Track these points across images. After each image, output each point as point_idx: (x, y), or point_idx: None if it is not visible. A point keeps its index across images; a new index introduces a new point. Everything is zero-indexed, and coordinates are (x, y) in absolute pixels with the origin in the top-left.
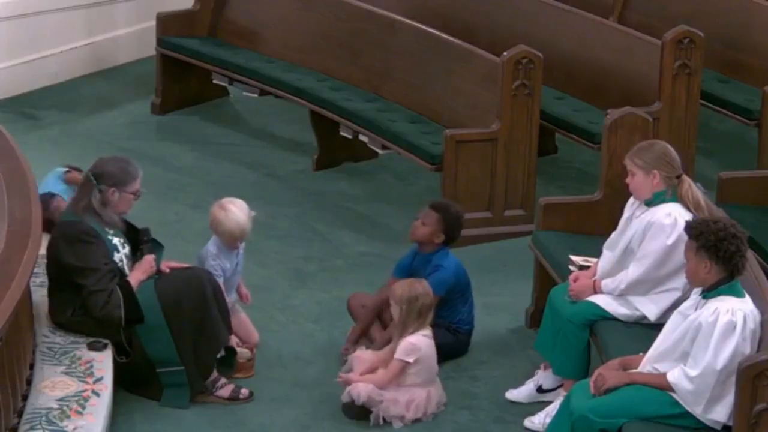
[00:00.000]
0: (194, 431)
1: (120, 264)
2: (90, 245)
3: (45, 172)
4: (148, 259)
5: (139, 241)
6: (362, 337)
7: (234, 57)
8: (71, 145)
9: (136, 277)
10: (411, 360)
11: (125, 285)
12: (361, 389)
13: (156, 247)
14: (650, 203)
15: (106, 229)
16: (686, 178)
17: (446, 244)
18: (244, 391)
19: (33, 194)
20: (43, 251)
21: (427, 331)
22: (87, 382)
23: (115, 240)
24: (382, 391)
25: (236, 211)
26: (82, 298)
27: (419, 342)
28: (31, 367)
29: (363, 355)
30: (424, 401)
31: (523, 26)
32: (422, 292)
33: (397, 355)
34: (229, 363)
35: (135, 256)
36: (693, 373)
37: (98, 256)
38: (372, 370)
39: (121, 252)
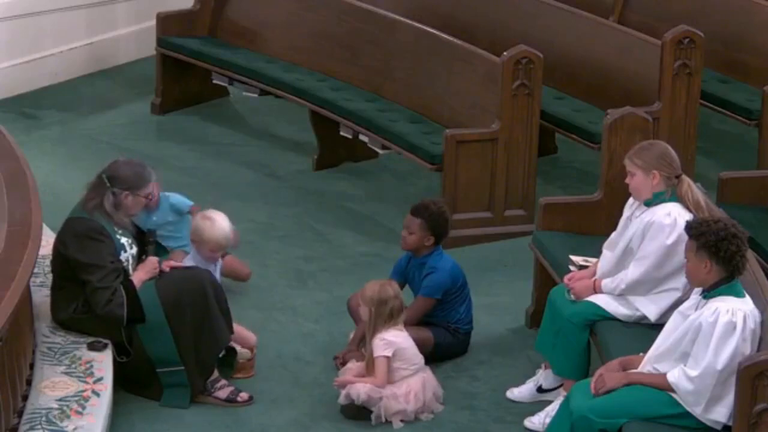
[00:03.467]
0: (194, 431)
1: (126, 264)
2: (98, 243)
3: (45, 172)
4: (152, 260)
5: (145, 242)
6: (363, 340)
7: (234, 57)
8: (71, 145)
9: (139, 277)
10: (389, 354)
11: (129, 285)
12: (360, 389)
13: (160, 250)
14: (650, 203)
15: (116, 229)
16: (686, 178)
17: (438, 243)
18: (243, 395)
19: (33, 194)
20: (43, 251)
21: (399, 327)
22: (87, 382)
23: (124, 240)
24: (381, 389)
25: (221, 220)
26: (85, 295)
27: (391, 336)
28: (31, 367)
29: (353, 367)
30: (421, 389)
31: (523, 26)
32: (392, 296)
33: (375, 354)
34: (229, 363)
35: (140, 258)
36: (693, 373)
37: (105, 254)
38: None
39: (128, 252)
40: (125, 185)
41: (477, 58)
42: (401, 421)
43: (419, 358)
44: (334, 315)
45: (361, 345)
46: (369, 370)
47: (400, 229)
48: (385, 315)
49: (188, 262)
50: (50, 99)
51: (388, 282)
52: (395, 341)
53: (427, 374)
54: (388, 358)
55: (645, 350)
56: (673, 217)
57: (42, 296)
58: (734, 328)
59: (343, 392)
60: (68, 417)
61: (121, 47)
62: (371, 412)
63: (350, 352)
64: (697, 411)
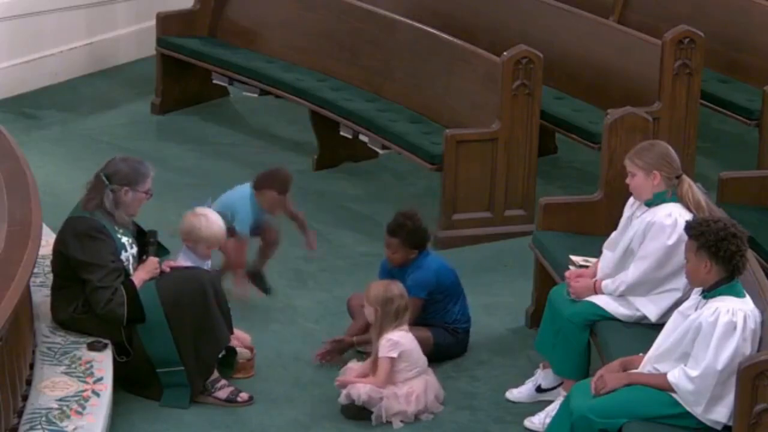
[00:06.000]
0: (194, 431)
1: (126, 263)
2: (99, 242)
3: (45, 172)
4: (153, 260)
5: (146, 242)
6: (359, 334)
7: (234, 57)
8: (71, 145)
9: (139, 277)
10: (395, 355)
11: (129, 284)
12: (360, 389)
13: (161, 251)
14: (651, 203)
15: (116, 228)
16: (686, 178)
17: (422, 251)
18: (243, 395)
19: (33, 194)
20: (43, 251)
21: (404, 327)
22: (87, 382)
23: (124, 239)
24: (381, 389)
25: (213, 216)
26: (85, 295)
27: (397, 337)
28: (31, 367)
29: (354, 366)
30: (423, 392)
31: (523, 26)
32: (397, 294)
33: (380, 354)
34: (229, 363)
35: (140, 258)
36: (693, 373)
37: (105, 253)
38: (363, 377)
39: (129, 252)
40: (124, 181)
41: (477, 58)
42: (401, 421)
43: (423, 360)
44: (334, 315)
45: (359, 343)
46: (374, 369)
47: None
48: (392, 314)
49: (182, 261)
50: (50, 99)
51: (392, 281)
52: (401, 342)
53: (430, 377)
54: (392, 359)
55: (645, 350)
56: (673, 217)
57: (42, 296)
58: (734, 328)
59: (344, 392)
60: (68, 417)
61: (121, 47)
62: (371, 412)
63: (326, 357)
64: (697, 411)
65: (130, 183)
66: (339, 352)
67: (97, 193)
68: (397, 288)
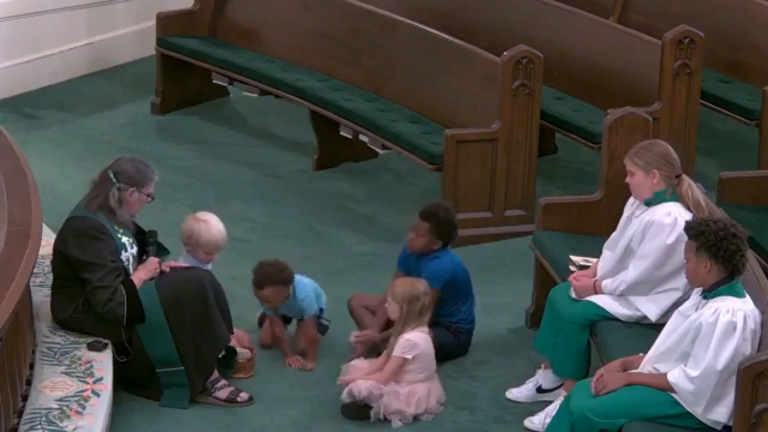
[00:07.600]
0: (194, 431)
1: (126, 263)
2: (99, 241)
3: (45, 172)
4: (153, 260)
5: (146, 242)
6: (381, 330)
7: (234, 57)
8: (71, 145)
9: (139, 276)
10: (410, 357)
11: (129, 284)
12: (361, 385)
13: (161, 251)
14: (650, 203)
15: (116, 228)
16: (686, 178)
17: (445, 246)
18: (243, 395)
19: (33, 194)
20: (43, 251)
21: (425, 328)
22: (87, 382)
23: (124, 239)
24: (382, 386)
25: (214, 221)
26: (85, 295)
27: (417, 338)
28: (31, 367)
29: (359, 364)
30: (425, 397)
31: (523, 26)
32: (423, 292)
33: (395, 352)
34: (229, 363)
35: (140, 258)
36: (693, 373)
37: (105, 253)
38: (371, 374)
39: (129, 252)
40: (132, 181)
41: (477, 58)
42: (399, 421)
43: (433, 366)
44: (335, 315)
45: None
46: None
47: (401, 228)
48: (416, 312)
49: (183, 264)
50: (50, 99)
51: (417, 279)
52: (419, 344)
53: (434, 383)
54: (405, 360)
55: (645, 350)
56: (673, 216)
57: (42, 296)
58: (734, 328)
59: (346, 389)
60: (68, 417)
61: (121, 47)
62: (371, 408)
63: (362, 343)
64: (697, 411)
65: (137, 183)
66: (365, 351)
67: (103, 190)
68: (422, 286)
